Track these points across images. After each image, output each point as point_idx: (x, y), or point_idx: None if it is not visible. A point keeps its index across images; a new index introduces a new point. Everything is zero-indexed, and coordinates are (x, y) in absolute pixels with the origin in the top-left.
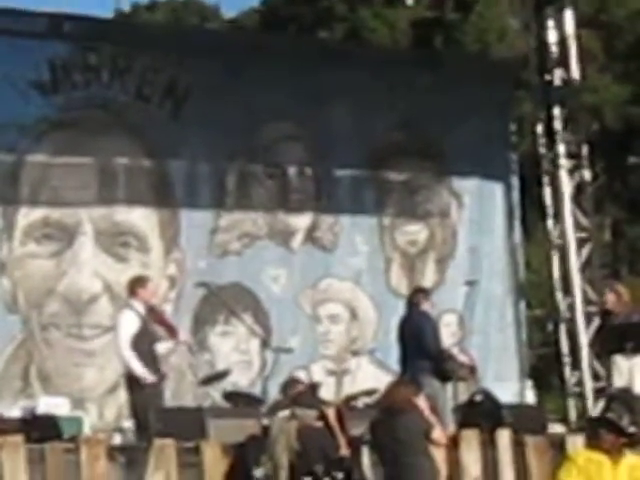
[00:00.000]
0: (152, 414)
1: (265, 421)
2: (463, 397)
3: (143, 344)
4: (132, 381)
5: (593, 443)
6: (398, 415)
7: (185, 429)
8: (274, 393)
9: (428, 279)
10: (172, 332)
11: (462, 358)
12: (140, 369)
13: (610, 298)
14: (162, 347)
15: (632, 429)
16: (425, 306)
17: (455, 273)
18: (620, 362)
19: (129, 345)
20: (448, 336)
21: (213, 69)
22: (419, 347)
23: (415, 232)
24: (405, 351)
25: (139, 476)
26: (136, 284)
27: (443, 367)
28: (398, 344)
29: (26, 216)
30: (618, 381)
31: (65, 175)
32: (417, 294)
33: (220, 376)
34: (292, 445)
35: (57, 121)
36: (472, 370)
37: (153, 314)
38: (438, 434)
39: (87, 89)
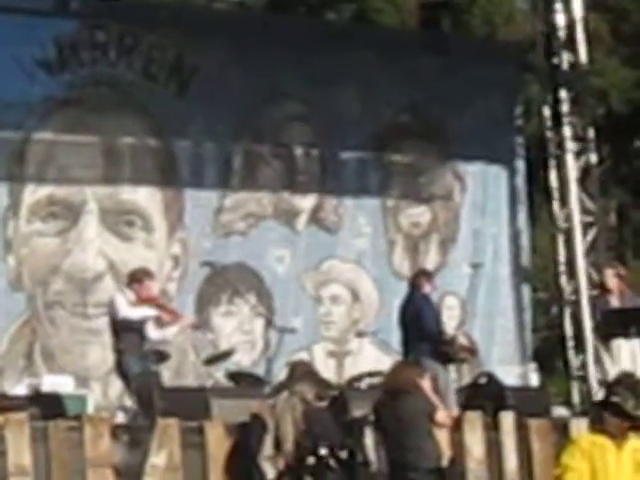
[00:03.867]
0: (156, 393)
1: (269, 401)
2: (467, 379)
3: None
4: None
5: (597, 427)
6: (402, 396)
7: (189, 409)
8: (278, 373)
9: (431, 261)
10: (175, 316)
11: (462, 340)
12: (137, 312)
13: (610, 274)
14: (168, 333)
15: (637, 413)
16: (427, 289)
17: (458, 256)
18: (622, 346)
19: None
20: (450, 319)
21: (220, 48)
22: (419, 329)
23: (418, 214)
24: (407, 333)
25: (142, 455)
26: (134, 277)
27: (443, 349)
28: (399, 327)
29: (32, 194)
30: (615, 365)
31: (71, 153)
32: (419, 276)
33: (224, 356)
34: (298, 424)
35: (63, 99)
36: (472, 352)
37: (149, 303)
38: (442, 416)
39: (94, 67)
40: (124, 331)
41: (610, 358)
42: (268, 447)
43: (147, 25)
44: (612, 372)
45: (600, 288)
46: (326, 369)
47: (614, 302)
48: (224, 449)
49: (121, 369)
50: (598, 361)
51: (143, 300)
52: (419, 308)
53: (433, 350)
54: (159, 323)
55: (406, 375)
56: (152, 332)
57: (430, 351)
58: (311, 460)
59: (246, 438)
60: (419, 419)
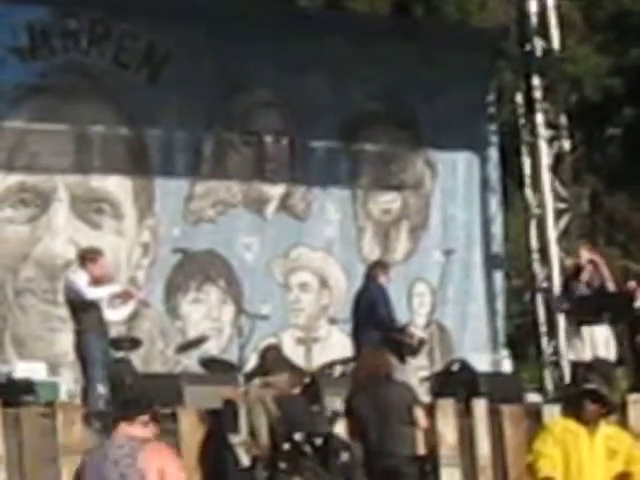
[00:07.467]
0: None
1: (241, 388)
2: (439, 366)
3: None
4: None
5: (571, 413)
6: (388, 383)
7: (161, 395)
8: (249, 360)
9: (401, 248)
10: (127, 296)
11: (412, 330)
12: (103, 290)
13: (584, 254)
14: (119, 314)
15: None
16: (382, 280)
17: (428, 243)
18: (596, 331)
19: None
20: (420, 305)
21: (191, 36)
22: (372, 318)
23: (389, 201)
24: (358, 322)
25: None
26: (86, 256)
27: (393, 337)
28: (352, 316)
29: (2, 181)
30: (590, 351)
31: (42, 141)
32: (375, 267)
33: (197, 343)
34: (270, 411)
35: (35, 87)
36: (421, 343)
37: (106, 281)
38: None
39: (65, 55)
40: (84, 311)
41: (582, 344)
42: (242, 433)
43: (119, 13)
44: (586, 357)
45: (575, 268)
46: (295, 356)
47: (585, 277)
48: (197, 436)
49: (80, 349)
50: (571, 346)
51: (99, 279)
52: (374, 298)
53: (384, 338)
54: (110, 304)
55: (386, 361)
56: (105, 312)
57: (381, 340)
58: (286, 446)
59: (219, 424)
60: (401, 406)
